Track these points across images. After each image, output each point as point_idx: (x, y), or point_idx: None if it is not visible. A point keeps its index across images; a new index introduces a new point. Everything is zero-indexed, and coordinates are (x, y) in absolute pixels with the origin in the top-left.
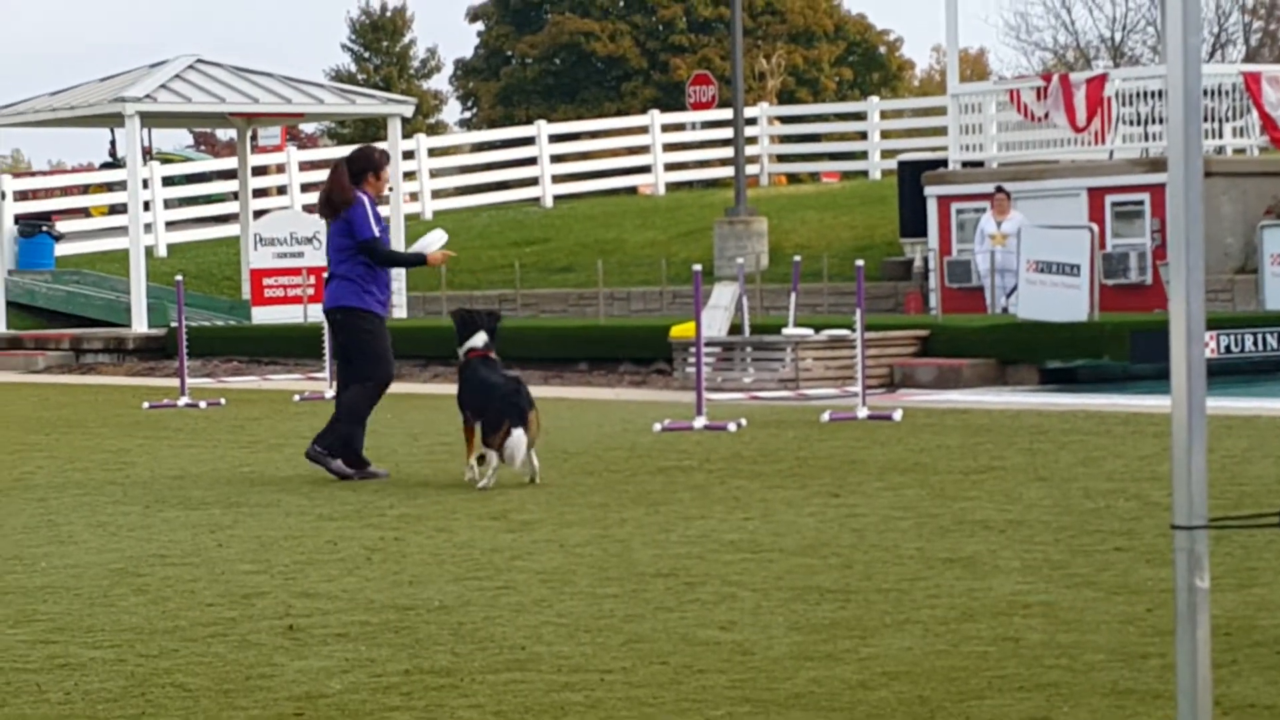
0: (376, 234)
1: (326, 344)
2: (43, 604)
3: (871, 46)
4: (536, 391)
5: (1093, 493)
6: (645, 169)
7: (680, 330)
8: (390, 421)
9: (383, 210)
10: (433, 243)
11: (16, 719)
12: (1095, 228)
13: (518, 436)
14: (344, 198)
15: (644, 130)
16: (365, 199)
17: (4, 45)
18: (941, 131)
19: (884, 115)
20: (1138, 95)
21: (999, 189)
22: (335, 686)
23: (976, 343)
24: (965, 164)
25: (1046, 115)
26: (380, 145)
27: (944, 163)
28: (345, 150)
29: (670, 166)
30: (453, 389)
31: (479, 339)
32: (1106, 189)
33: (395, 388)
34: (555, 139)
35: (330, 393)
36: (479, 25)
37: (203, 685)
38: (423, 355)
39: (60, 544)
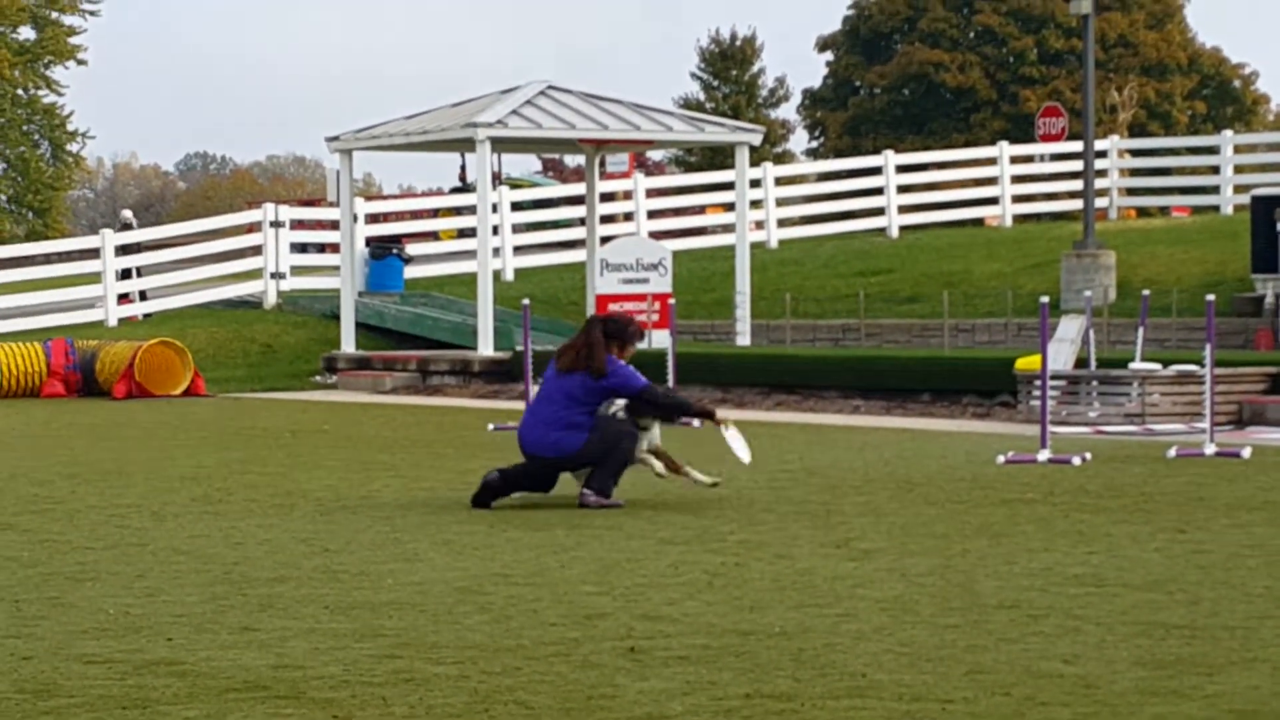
0: (646, 382)
1: (670, 370)
2: (389, 619)
3: (1226, 80)
4: (878, 421)
5: None
6: (992, 200)
7: (1026, 363)
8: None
9: (728, 239)
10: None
11: None
12: None
13: None
14: (600, 367)
15: (992, 162)
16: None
17: (360, 71)
18: None
19: (1237, 149)
20: None
21: None
22: (677, 708)
23: None
24: None
25: None
26: (638, 320)
27: None
28: (693, 178)
29: (1018, 198)
30: (797, 417)
31: None
32: None
33: (737, 414)
34: (902, 169)
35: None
36: (828, 55)
37: (545, 704)
38: (765, 384)
39: (406, 561)
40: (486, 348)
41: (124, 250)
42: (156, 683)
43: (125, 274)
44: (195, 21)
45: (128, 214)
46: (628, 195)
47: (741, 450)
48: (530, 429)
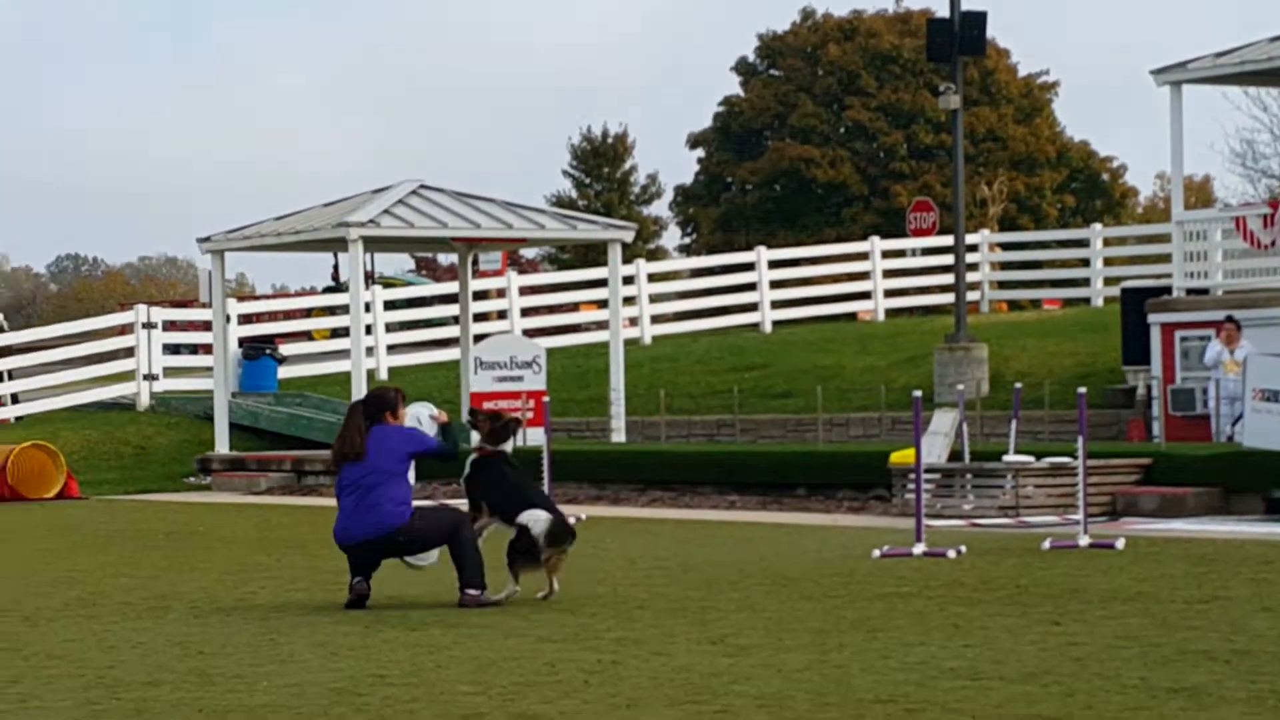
0: (436, 441)
1: (545, 468)
2: None
3: (1094, 173)
4: (753, 516)
5: None
6: (865, 295)
7: (900, 456)
8: (608, 545)
9: (602, 335)
10: (421, 414)
11: None
12: None
13: None
14: (358, 448)
15: (864, 256)
16: (407, 427)
17: (230, 171)
18: (1165, 259)
19: (1107, 242)
20: None
21: (1229, 319)
22: None
23: (1200, 471)
24: (1190, 291)
25: (1273, 242)
26: (393, 385)
27: (1168, 290)
28: (566, 276)
29: (890, 293)
30: (673, 513)
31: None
32: None
33: (614, 511)
34: (775, 265)
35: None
36: (700, 152)
37: None
38: (641, 480)
39: (281, 663)
40: None
41: None
42: None
43: None
44: (65, 122)
45: None
46: (501, 293)
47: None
48: (346, 524)
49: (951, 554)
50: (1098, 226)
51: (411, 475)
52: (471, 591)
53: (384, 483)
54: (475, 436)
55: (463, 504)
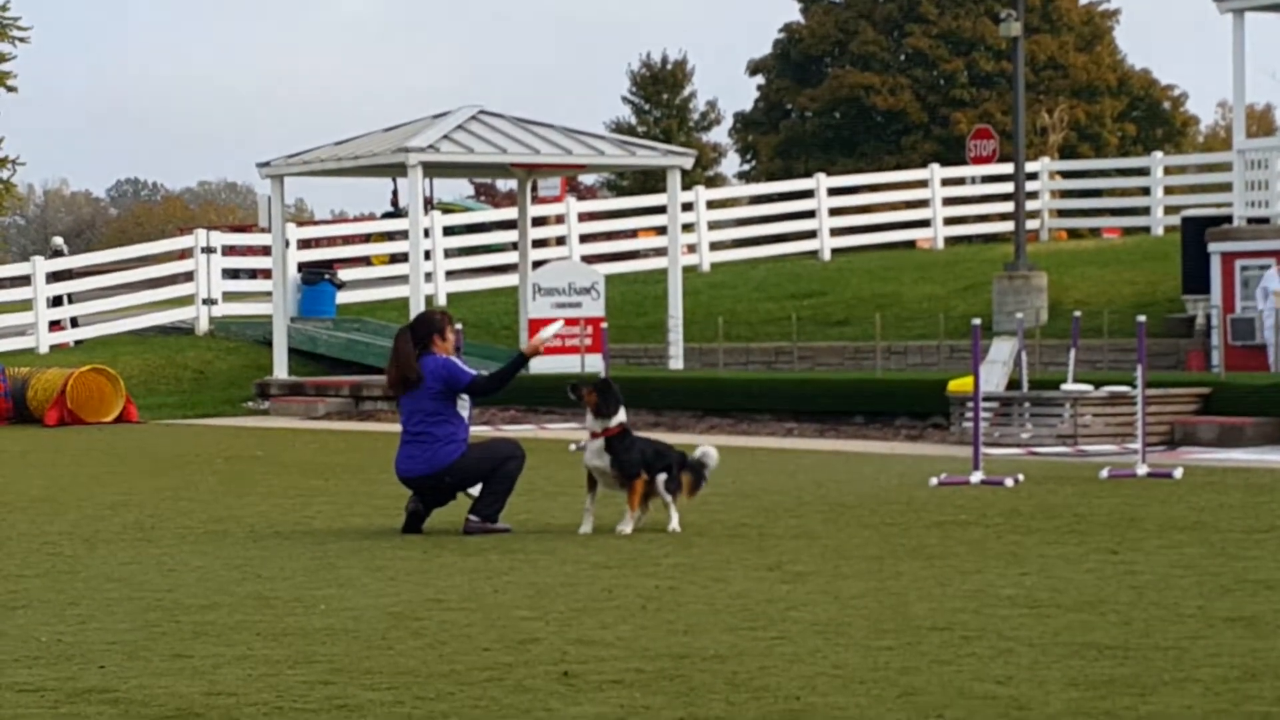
0: (473, 374)
1: None
2: (322, 646)
3: (1155, 102)
4: (811, 444)
5: None
6: (924, 223)
7: (958, 384)
8: None
9: (661, 262)
10: (547, 334)
11: None
12: None
13: None
14: (414, 376)
15: (923, 184)
16: (444, 357)
17: (290, 97)
18: (1226, 188)
19: (1167, 171)
20: None
21: None
22: None
23: (1260, 401)
24: (1250, 220)
25: None
26: (439, 307)
27: (1228, 219)
28: (625, 202)
29: (949, 220)
30: (731, 440)
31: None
32: None
33: (671, 438)
34: (834, 192)
35: None
36: (759, 78)
37: None
38: (698, 408)
39: (339, 587)
40: None
41: (56, 277)
42: (89, 710)
43: (57, 301)
44: (126, 48)
45: (59, 241)
46: (560, 219)
47: (552, 329)
48: (401, 460)
49: (1009, 482)
50: (1158, 155)
51: (465, 409)
52: (474, 518)
53: (434, 420)
54: (589, 415)
55: (518, 432)
